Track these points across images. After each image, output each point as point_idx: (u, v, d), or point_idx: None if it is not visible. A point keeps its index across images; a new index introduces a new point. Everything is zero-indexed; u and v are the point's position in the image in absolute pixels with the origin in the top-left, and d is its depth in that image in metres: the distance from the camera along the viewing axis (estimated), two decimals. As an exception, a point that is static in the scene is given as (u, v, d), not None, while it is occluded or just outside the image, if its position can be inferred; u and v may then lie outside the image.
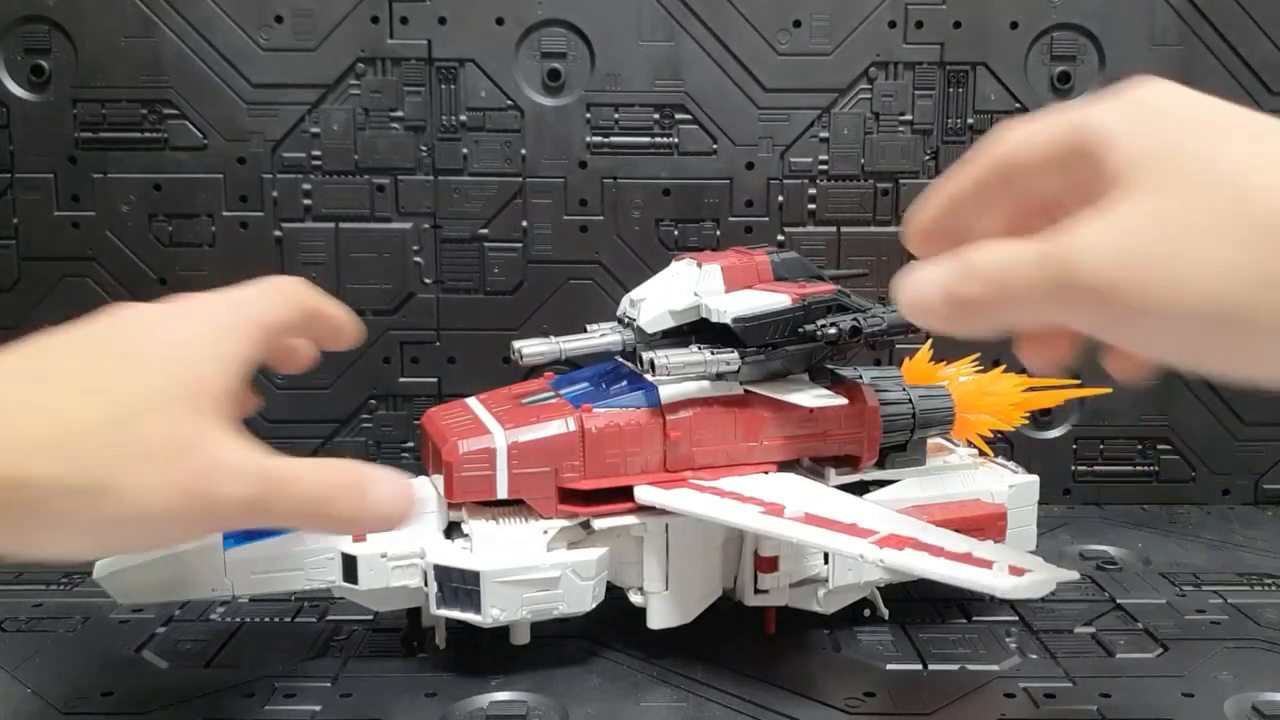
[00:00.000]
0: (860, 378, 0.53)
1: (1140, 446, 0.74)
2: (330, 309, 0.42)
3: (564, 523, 0.48)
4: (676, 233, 0.72)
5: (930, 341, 0.59)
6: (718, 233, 0.72)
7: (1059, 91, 0.71)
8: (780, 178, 0.72)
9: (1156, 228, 0.30)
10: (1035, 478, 0.56)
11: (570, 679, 0.49)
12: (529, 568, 0.47)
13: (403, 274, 0.72)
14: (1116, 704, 0.46)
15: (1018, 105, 0.71)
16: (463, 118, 0.71)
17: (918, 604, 0.56)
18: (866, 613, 0.54)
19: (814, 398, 0.50)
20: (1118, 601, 0.57)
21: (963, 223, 0.36)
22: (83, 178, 0.70)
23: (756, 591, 0.51)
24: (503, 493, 0.48)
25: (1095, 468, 0.74)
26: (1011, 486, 0.55)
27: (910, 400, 0.53)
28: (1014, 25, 0.70)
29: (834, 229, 0.72)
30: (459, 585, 0.47)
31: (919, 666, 0.50)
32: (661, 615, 0.50)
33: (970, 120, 0.71)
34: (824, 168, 0.71)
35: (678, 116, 0.71)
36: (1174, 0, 0.70)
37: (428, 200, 0.71)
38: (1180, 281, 0.29)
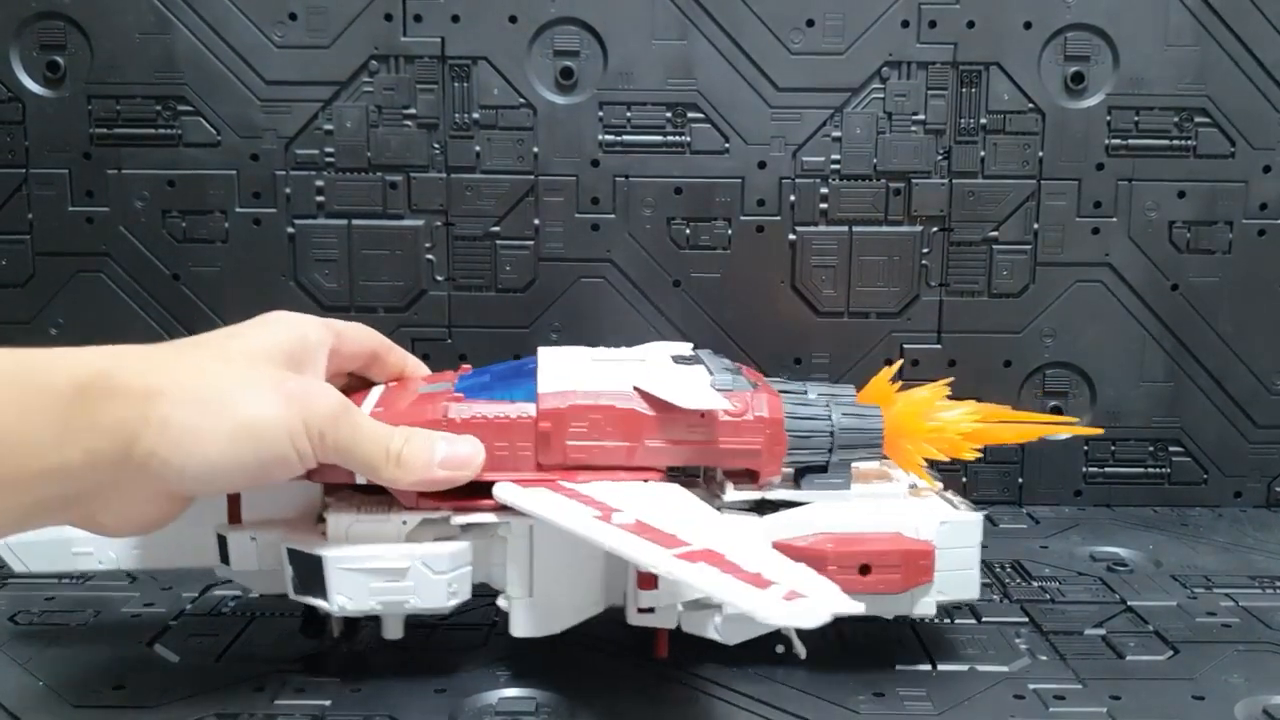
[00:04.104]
0: (806, 392, 0.50)
1: (1152, 448, 0.74)
2: (394, 354, 0.52)
3: (425, 515, 0.46)
4: (688, 231, 0.72)
5: (900, 364, 0.56)
6: (729, 232, 0.72)
7: (1072, 92, 0.71)
8: (792, 177, 0.71)
9: None
10: (978, 516, 0.49)
11: (580, 676, 0.49)
12: (373, 556, 0.45)
13: (414, 271, 0.72)
14: (1126, 706, 0.46)
15: (1030, 105, 0.71)
16: (475, 115, 0.71)
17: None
18: (780, 649, 0.50)
19: (701, 399, 0.47)
20: (1128, 604, 0.57)
21: None
22: (97, 173, 0.71)
23: (640, 610, 0.47)
24: (360, 478, 0.45)
25: (1106, 469, 0.74)
26: (943, 523, 0.48)
27: (829, 418, 0.49)
28: (1027, 25, 0.70)
29: (846, 228, 0.72)
30: (308, 570, 0.45)
31: (928, 667, 0.50)
32: (522, 623, 0.47)
33: (983, 120, 0.71)
34: (836, 167, 0.71)
35: (690, 115, 0.71)
36: (1189, 0, 0.70)
37: (440, 198, 0.71)
38: None
